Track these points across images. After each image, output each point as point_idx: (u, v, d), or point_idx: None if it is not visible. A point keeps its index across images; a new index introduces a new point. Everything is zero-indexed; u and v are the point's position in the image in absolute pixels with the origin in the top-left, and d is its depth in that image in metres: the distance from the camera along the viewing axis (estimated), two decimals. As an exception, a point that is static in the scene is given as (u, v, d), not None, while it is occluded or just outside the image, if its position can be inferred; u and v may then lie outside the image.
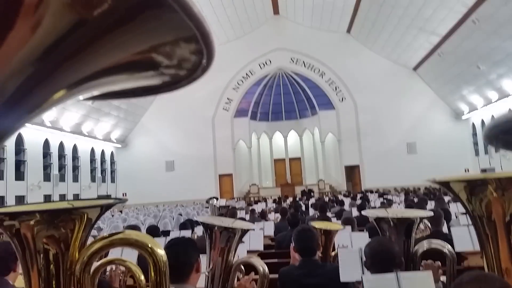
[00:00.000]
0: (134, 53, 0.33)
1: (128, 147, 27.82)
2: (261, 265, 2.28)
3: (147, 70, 0.35)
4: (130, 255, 2.80)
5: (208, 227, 2.39)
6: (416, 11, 19.43)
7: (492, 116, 19.24)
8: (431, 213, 3.12)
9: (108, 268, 3.06)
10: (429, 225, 4.18)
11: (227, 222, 2.47)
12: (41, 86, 0.31)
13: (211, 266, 2.37)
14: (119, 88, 0.37)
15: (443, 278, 2.62)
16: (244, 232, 2.43)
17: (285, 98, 28.64)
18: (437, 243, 2.62)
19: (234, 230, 2.36)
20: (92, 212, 1.07)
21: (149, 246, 1.14)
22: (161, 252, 1.17)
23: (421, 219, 2.91)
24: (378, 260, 2.27)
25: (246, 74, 27.87)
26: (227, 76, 27.13)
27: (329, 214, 7.53)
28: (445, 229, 4.74)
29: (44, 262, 1.04)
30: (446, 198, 10.10)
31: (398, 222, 2.87)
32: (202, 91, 26.57)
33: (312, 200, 15.28)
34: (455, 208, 8.13)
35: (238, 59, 26.90)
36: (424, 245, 2.67)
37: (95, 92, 0.36)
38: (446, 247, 2.55)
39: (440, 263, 2.69)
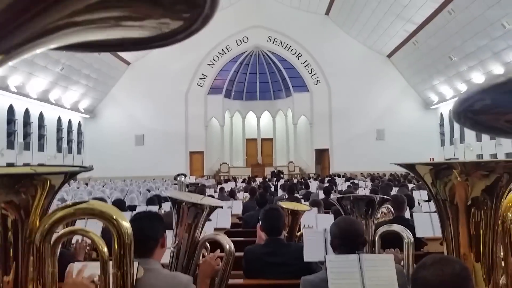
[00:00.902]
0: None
1: (96, 118, 27.18)
2: (227, 243, 2.29)
3: (138, 18, 0.29)
4: (94, 228, 2.75)
5: (176, 202, 2.37)
6: (394, -3, 19.56)
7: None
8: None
9: (74, 240, 3.00)
10: (392, 209, 4.29)
11: (195, 198, 2.45)
12: (17, 28, 0.26)
13: (176, 242, 2.36)
14: (105, 37, 0.31)
15: (402, 263, 2.70)
16: (212, 209, 2.42)
17: (261, 78, 28.52)
18: (397, 227, 2.70)
19: (202, 207, 2.35)
20: (56, 178, 1.02)
21: (114, 217, 1.12)
22: (126, 224, 1.14)
23: (382, 198, 2.98)
24: (346, 239, 2.31)
25: (222, 50, 27.50)
26: (203, 50, 26.67)
27: (296, 195, 7.62)
28: (408, 215, 4.89)
29: (1, 229, 0.99)
30: (410, 186, 10.39)
31: (359, 200, 2.95)
32: (176, 65, 26.10)
33: (281, 182, 15.42)
34: (418, 195, 8.38)
35: (215, 33, 26.33)
36: (384, 228, 2.76)
37: (76, 39, 0.30)
38: (404, 232, 2.64)
39: (399, 250, 2.77)
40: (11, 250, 1.02)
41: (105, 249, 1.15)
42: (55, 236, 1.08)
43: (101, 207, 1.14)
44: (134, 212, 5.50)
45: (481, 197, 1.27)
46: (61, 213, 1.08)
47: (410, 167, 1.41)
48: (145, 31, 0.31)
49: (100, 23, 0.30)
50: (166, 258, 2.32)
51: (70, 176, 1.09)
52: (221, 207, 4.35)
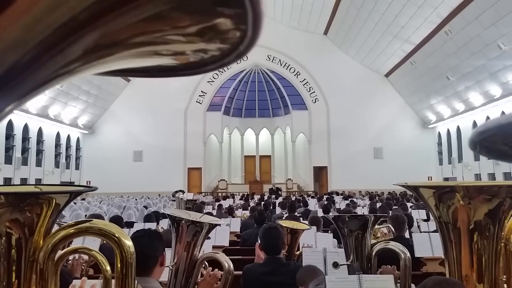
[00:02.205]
0: (165, 24, 0.27)
1: (95, 134, 27.19)
2: (226, 261, 2.27)
3: (176, 47, 0.29)
4: (92, 246, 2.72)
5: (175, 220, 2.36)
6: (392, 17, 19.83)
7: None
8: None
9: (71, 257, 2.98)
10: (393, 229, 4.27)
11: (194, 216, 2.44)
12: (46, 61, 0.26)
13: (175, 260, 2.35)
14: (136, 65, 0.31)
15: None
16: (212, 227, 2.41)
17: (259, 96, 28.70)
18: (393, 245, 2.69)
19: (201, 225, 2.34)
20: (60, 198, 1.03)
21: (117, 236, 1.12)
22: (128, 242, 1.15)
23: (375, 216, 2.97)
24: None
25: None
26: (202, 69, 26.85)
27: (295, 213, 7.59)
28: (407, 234, 4.87)
29: (5, 246, 0.99)
30: (409, 204, 10.37)
31: (355, 219, 2.95)
32: (176, 82, 26.27)
33: (279, 199, 15.37)
34: (417, 215, 8.35)
35: (215, 52, 26.67)
36: (380, 246, 2.75)
37: (108, 68, 0.30)
38: (400, 249, 2.62)
39: (396, 267, 2.76)
40: (14, 268, 1.02)
41: (108, 268, 1.15)
42: (58, 254, 1.08)
43: (104, 226, 1.15)
44: (132, 229, 5.48)
45: (483, 221, 1.28)
46: (64, 232, 1.08)
47: (414, 189, 1.42)
48: (177, 60, 0.31)
49: (137, 52, 0.29)
50: (164, 276, 2.30)
51: (75, 195, 1.10)
52: (220, 225, 4.33)
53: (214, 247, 4.63)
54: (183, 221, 2.33)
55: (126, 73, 0.34)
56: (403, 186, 1.43)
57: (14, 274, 1.02)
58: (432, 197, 1.33)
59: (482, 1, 15.15)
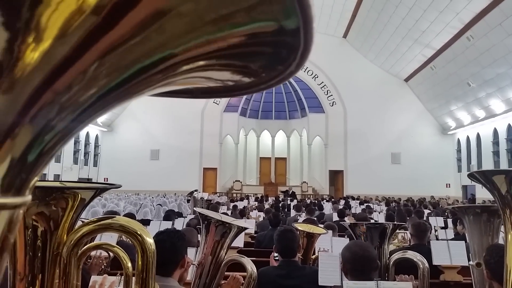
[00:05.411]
0: (222, 47, 0.28)
1: (113, 132, 27.55)
2: (251, 266, 2.28)
3: (225, 69, 0.29)
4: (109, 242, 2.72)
5: (206, 219, 2.38)
6: (413, 22, 19.61)
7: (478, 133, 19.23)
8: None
9: (92, 254, 3.01)
10: (412, 236, 4.20)
11: (225, 217, 2.46)
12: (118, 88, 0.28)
13: (201, 260, 2.35)
14: (185, 87, 0.32)
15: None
16: (240, 230, 2.42)
17: (276, 98, 28.68)
18: (411, 254, 2.65)
19: (230, 226, 2.35)
20: (86, 193, 1.04)
21: (139, 233, 1.13)
22: (150, 240, 1.15)
23: (394, 225, 2.92)
24: (360, 264, 2.28)
25: (240, 69, 27.79)
26: (220, 70, 27.03)
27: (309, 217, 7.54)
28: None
29: (32, 238, 1.01)
30: (426, 212, 10.22)
31: (372, 227, 2.91)
32: (193, 83, 26.44)
33: (294, 202, 15.31)
34: (435, 222, 8.23)
35: (233, 54, 26.79)
36: (398, 255, 2.71)
37: (164, 89, 0.32)
38: (419, 259, 2.58)
39: (414, 277, 2.72)
40: (39, 261, 1.03)
41: (129, 264, 1.15)
42: (81, 249, 1.09)
43: (126, 223, 1.16)
44: (148, 227, 5.52)
45: None
46: (87, 228, 1.09)
47: (483, 174, 1.34)
48: (217, 84, 0.31)
49: (190, 81, 0.30)
50: (188, 275, 2.33)
51: (100, 192, 1.11)
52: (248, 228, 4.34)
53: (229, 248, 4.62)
54: (213, 221, 2.34)
55: (170, 94, 0.35)
56: (472, 175, 1.36)
57: (39, 266, 1.04)
58: (505, 182, 1.25)
59: (507, 7, 14.86)
